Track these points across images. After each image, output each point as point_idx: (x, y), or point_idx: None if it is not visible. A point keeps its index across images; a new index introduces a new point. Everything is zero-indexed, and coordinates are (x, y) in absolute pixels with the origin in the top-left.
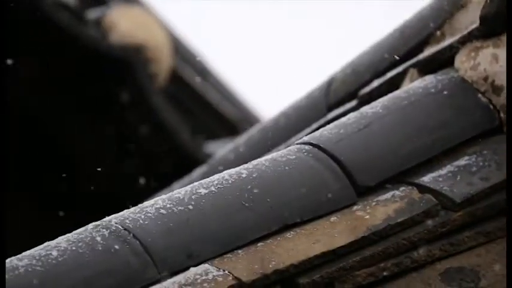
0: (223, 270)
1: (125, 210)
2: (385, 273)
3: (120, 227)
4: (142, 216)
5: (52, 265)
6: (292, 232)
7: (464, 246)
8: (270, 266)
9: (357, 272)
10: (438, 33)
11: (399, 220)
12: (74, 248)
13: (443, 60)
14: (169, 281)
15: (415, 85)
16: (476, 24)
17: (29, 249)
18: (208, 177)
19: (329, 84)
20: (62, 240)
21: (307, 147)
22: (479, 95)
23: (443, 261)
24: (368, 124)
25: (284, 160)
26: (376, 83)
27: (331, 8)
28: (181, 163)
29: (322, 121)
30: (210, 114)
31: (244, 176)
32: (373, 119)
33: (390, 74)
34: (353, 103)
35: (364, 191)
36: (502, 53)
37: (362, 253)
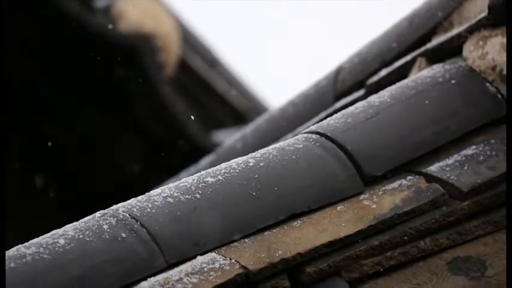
0: (230, 259)
1: (132, 199)
2: (391, 262)
3: (127, 215)
4: (150, 205)
5: (59, 253)
6: (299, 221)
7: (471, 235)
8: (277, 254)
9: (363, 261)
10: (446, 22)
11: (406, 209)
12: (81, 236)
13: (452, 49)
14: (176, 269)
15: (423, 74)
16: (484, 13)
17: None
18: (215, 166)
19: (337, 73)
20: (69, 229)
21: (314, 136)
22: (487, 84)
23: (450, 250)
24: (375, 113)
25: (291, 149)
26: (384, 72)
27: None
28: (189, 152)
29: (329, 110)
30: (218, 103)
31: (251, 165)
32: (380, 108)
33: (398, 63)
34: (361, 92)
35: (371, 180)
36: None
37: (369, 242)
